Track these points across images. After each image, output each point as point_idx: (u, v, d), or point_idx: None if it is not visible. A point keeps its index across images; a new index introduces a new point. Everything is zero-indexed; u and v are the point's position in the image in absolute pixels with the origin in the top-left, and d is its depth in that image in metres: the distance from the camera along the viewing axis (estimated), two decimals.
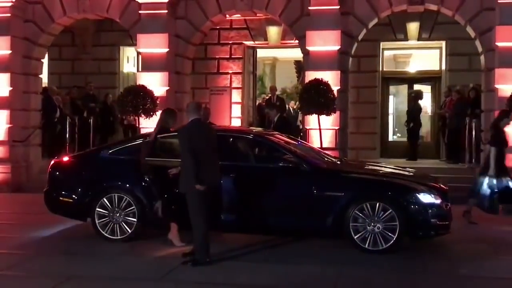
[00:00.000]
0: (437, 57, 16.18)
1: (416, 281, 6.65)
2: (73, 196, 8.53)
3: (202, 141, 7.07)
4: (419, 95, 15.54)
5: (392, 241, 7.53)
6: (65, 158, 9.16)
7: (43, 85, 15.45)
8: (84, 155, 9.50)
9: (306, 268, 7.03)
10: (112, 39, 16.89)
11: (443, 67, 15.92)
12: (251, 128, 9.32)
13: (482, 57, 13.21)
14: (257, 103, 17.33)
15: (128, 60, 17.49)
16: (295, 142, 9.24)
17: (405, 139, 16.09)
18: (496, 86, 12.14)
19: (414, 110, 15.18)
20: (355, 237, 7.61)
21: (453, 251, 8.03)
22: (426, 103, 16.84)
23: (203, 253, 7.08)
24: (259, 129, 9.33)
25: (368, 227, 7.57)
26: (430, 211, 7.67)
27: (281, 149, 8.29)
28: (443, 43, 15.83)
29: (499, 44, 12.12)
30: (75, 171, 8.80)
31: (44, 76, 16.00)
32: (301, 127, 14.60)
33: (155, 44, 13.54)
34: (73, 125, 14.46)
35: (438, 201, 7.75)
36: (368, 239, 7.58)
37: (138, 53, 14.52)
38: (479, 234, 8.96)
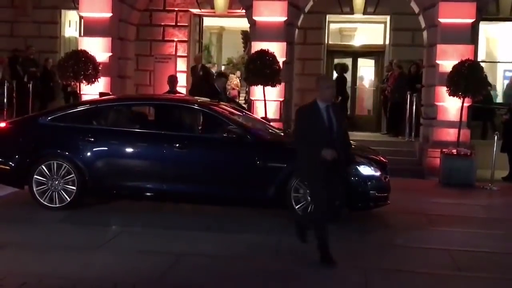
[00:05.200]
0: (382, 31, 16.38)
1: (353, 250, 6.83)
2: (10, 163, 8.30)
3: None
4: (344, 68, 15.64)
5: None
6: (2, 124, 8.87)
7: None
8: (23, 121, 9.24)
9: (247, 237, 7.11)
10: (53, 2, 16.30)
11: (387, 42, 16.15)
12: (196, 98, 9.21)
13: (424, 33, 13.45)
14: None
15: (70, 24, 16.95)
16: (239, 113, 9.25)
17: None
18: (437, 61, 12.40)
19: (340, 83, 15.21)
20: (296, 207, 7.72)
21: (390, 222, 8.25)
22: (370, 77, 17.11)
23: None
24: (204, 99, 9.26)
25: (309, 198, 7.68)
26: (369, 183, 7.83)
27: (226, 120, 8.26)
28: (387, 18, 16.03)
29: (442, 20, 12.33)
30: (13, 137, 8.54)
31: None
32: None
33: (98, 8, 13.16)
34: (12, 90, 13.99)
35: (377, 173, 7.92)
36: (309, 209, 7.68)
37: (81, 17, 14.09)
38: (416, 206, 9.23)
